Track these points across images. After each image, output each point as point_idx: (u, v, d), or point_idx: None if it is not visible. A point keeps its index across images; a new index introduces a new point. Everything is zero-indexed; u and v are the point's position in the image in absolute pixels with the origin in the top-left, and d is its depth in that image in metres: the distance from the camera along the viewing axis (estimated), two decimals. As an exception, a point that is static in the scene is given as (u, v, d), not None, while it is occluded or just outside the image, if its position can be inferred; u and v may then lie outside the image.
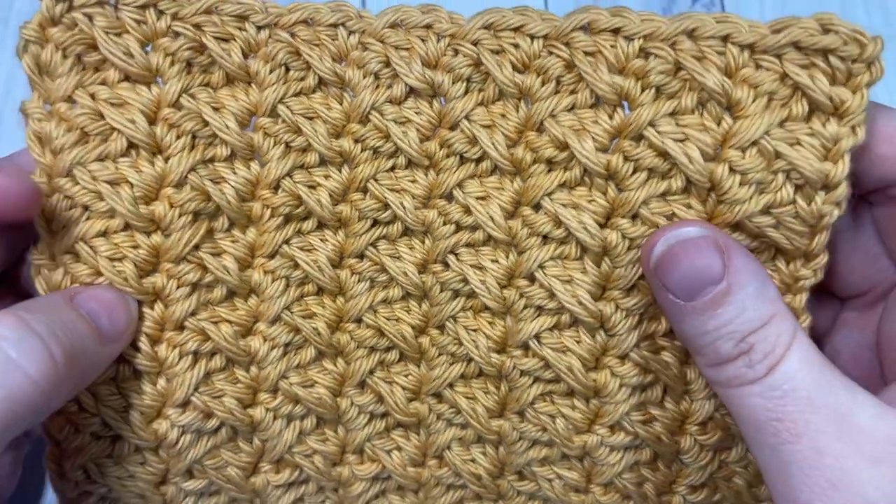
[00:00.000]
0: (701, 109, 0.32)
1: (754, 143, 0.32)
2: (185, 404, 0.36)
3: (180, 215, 0.35)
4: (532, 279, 0.36)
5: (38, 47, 0.33)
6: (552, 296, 0.35)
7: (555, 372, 0.36)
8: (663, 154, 0.33)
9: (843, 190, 0.32)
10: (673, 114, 0.32)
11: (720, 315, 0.30)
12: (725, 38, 0.31)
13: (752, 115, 0.31)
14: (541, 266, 0.35)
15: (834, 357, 0.37)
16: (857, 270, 0.37)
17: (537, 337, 0.36)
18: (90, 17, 0.33)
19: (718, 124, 0.32)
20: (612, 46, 0.32)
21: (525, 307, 0.36)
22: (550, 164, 0.34)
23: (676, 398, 0.36)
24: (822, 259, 0.33)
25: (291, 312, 0.37)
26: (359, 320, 0.37)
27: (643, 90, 0.32)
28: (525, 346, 0.36)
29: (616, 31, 0.32)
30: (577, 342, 0.36)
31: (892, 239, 0.35)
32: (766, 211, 0.32)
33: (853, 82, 0.31)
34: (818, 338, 0.38)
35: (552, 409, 0.37)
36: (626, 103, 0.33)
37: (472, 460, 0.38)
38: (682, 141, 0.32)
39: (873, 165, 0.33)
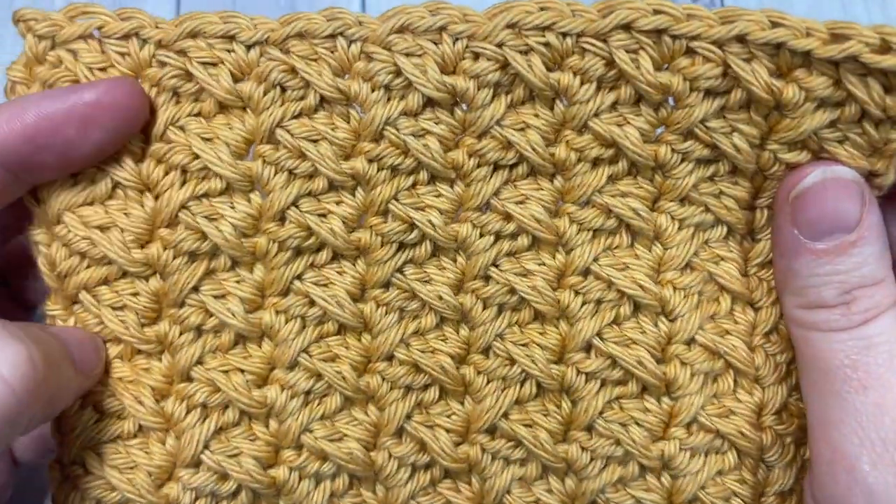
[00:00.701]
0: (749, 105, 0.31)
1: (814, 133, 0.31)
2: (196, 464, 0.33)
3: (175, 257, 0.32)
4: (585, 274, 0.34)
5: (25, 87, 0.32)
6: (609, 286, 0.33)
7: (622, 370, 0.34)
8: (711, 146, 0.32)
9: (888, 179, 0.31)
10: (721, 109, 0.31)
11: (838, 262, 0.30)
12: (779, 46, 0.29)
13: (802, 117, 0.30)
14: (595, 259, 0.33)
15: None
16: None
17: (599, 334, 0.33)
18: (75, 54, 0.32)
19: (766, 119, 0.31)
20: (655, 44, 0.30)
21: (582, 304, 0.33)
22: (595, 161, 0.33)
23: (748, 388, 0.34)
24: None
25: (311, 356, 0.33)
26: (390, 358, 0.34)
27: (692, 91, 0.31)
28: (587, 348, 0.34)
29: (661, 32, 0.30)
30: (642, 332, 0.34)
31: None
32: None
33: None
34: None
35: (623, 417, 0.34)
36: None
37: (537, 501, 0.35)
38: (729, 133, 0.32)
39: None
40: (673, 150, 0.32)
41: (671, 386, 0.34)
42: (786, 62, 0.29)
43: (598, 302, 0.34)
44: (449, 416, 0.34)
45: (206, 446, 0.33)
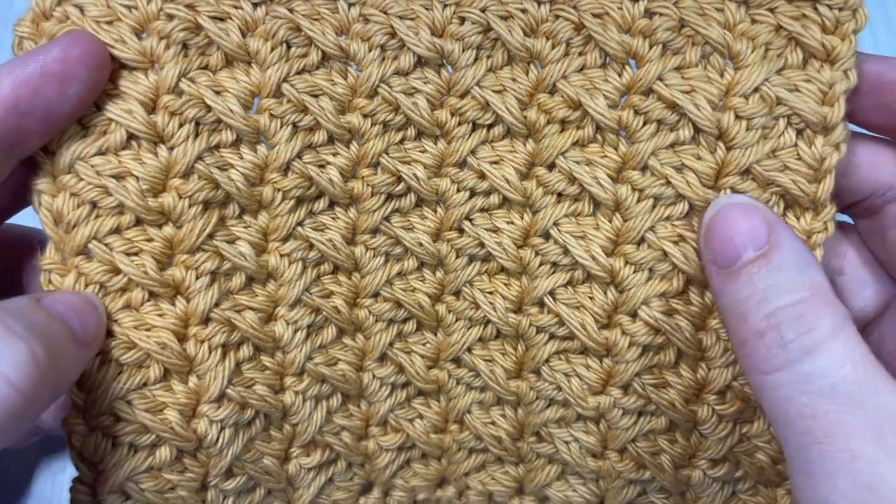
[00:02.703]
0: (704, 63, 0.34)
1: (756, 90, 0.34)
2: (219, 399, 0.36)
3: (190, 206, 0.34)
4: (547, 237, 0.37)
5: (33, 43, 0.32)
6: (566, 252, 0.36)
7: (569, 328, 0.37)
8: (672, 105, 0.34)
9: (841, 132, 0.34)
10: (679, 68, 0.34)
11: (755, 282, 0.29)
12: None
13: (752, 65, 0.33)
14: (555, 223, 0.36)
15: (880, 342, 0.37)
16: None
17: (552, 293, 0.37)
18: (81, 8, 0.32)
19: (721, 76, 0.34)
20: (618, 8, 0.33)
21: (540, 264, 0.37)
22: (563, 123, 0.35)
23: (692, 365, 0.37)
24: (832, 210, 0.34)
25: (311, 294, 0.36)
26: (376, 294, 0.37)
27: (650, 47, 0.34)
28: (541, 304, 0.37)
29: None
30: (591, 298, 0.37)
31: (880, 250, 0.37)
32: (772, 155, 0.34)
33: (841, 30, 0.33)
34: (868, 320, 0.38)
35: (567, 368, 0.38)
36: (633, 62, 0.34)
37: (493, 423, 0.39)
38: (689, 92, 0.34)
39: (853, 174, 0.35)
40: (636, 112, 0.34)
41: (611, 350, 0.37)
42: (731, 17, 0.33)
43: (555, 264, 0.37)
44: (423, 345, 0.38)
45: (230, 381, 0.35)
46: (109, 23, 0.32)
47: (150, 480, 0.35)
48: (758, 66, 0.33)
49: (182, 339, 0.35)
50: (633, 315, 0.36)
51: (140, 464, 0.35)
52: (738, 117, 0.34)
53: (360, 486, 0.41)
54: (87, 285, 0.33)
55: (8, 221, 0.37)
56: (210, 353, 0.35)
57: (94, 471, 0.35)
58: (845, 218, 0.38)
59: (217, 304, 0.35)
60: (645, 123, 0.35)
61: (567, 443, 0.39)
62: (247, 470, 0.37)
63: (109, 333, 0.34)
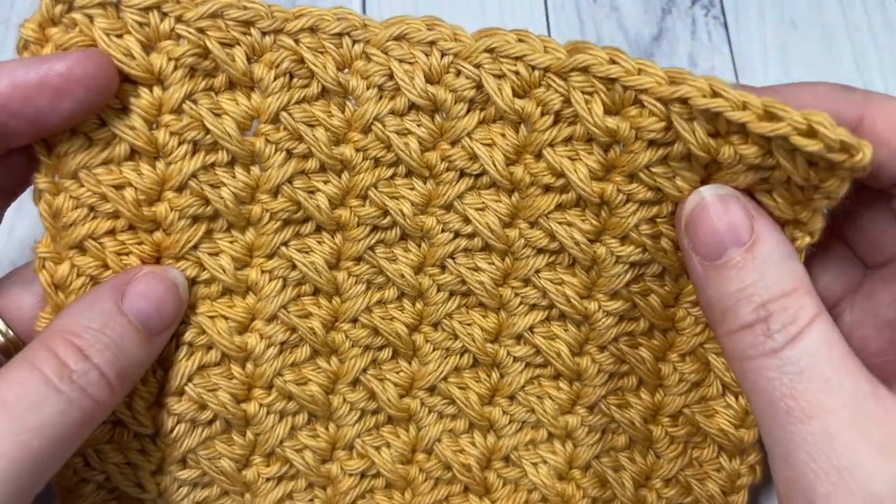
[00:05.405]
0: (689, 158, 0.33)
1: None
2: (180, 393, 0.38)
3: (180, 218, 0.35)
4: (526, 282, 0.38)
5: (38, 47, 0.33)
6: (545, 295, 0.38)
7: (544, 357, 0.39)
8: (656, 189, 0.35)
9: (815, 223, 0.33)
10: (665, 158, 0.34)
11: (743, 276, 0.30)
12: (717, 114, 0.31)
13: (737, 174, 0.32)
14: (536, 271, 0.37)
15: (852, 329, 0.36)
16: (884, 236, 0.35)
17: (531, 328, 0.38)
18: (91, 18, 0.33)
19: (705, 169, 0.34)
20: (608, 90, 0.33)
21: (520, 304, 0.38)
22: (547, 187, 0.36)
23: (651, 390, 0.40)
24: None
25: (288, 311, 0.38)
26: (354, 320, 0.38)
27: (636, 139, 0.33)
28: (518, 337, 0.39)
29: (613, 80, 0.33)
30: (565, 330, 0.39)
31: None
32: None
33: (836, 171, 0.31)
34: (836, 302, 0.38)
35: (540, 392, 0.40)
36: None
37: (462, 451, 0.40)
38: (672, 178, 0.34)
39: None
40: (619, 191, 0.35)
41: (581, 375, 0.39)
42: (723, 126, 0.32)
43: (533, 306, 0.38)
44: (397, 373, 0.39)
45: (189, 379, 0.37)
46: (119, 36, 0.33)
47: (114, 452, 0.38)
48: (743, 175, 0.32)
49: None
50: (602, 348, 0.39)
51: (102, 437, 0.38)
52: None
53: None
54: (78, 276, 0.35)
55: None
56: (176, 348, 0.37)
57: None
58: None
59: (192, 307, 0.37)
60: (628, 201, 0.35)
61: (535, 465, 0.40)
62: (202, 465, 0.39)
63: None
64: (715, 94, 0.31)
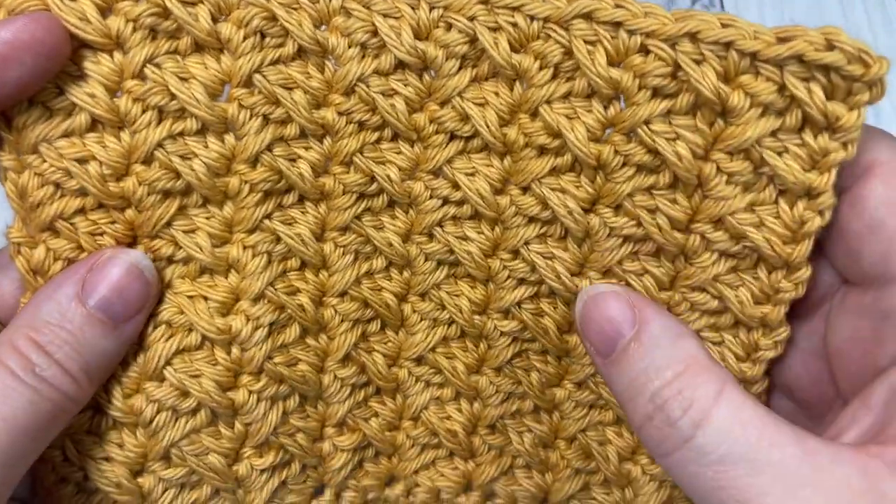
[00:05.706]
0: (695, 110, 0.32)
1: (743, 150, 0.32)
2: (160, 378, 0.35)
3: (149, 193, 0.33)
4: (515, 254, 0.36)
5: None
6: (534, 270, 0.36)
7: (532, 333, 0.37)
8: (654, 151, 0.33)
9: (826, 199, 0.31)
10: (668, 113, 0.32)
11: (633, 366, 0.30)
12: (728, 45, 0.30)
13: (746, 124, 0.31)
14: (526, 243, 0.36)
15: (827, 340, 0.35)
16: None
17: (518, 303, 0.37)
18: None
19: (711, 127, 0.32)
20: (612, 38, 0.31)
21: (508, 278, 0.37)
22: (542, 149, 0.34)
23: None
24: (805, 272, 0.33)
25: (276, 290, 0.36)
26: (343, 294, 0.37)
27: (640, 89, 0.32)
28: (506, 311, 0.37)
29: (618, 24, 0.31)
30: (554, 308, 0.37)
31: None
32: (749, 209, 0.33)
33: (852, 100, 0.30)
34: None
35: (528, 364, 0.39)
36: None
37: (448, 417, 0.40)
38: (673, 140, 0.32)
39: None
40: (616, 152, 0.33)
41: (570, 352, 0.38)
42: (733, 66, 0.30)
43: (521, 280, 0.37)
44: (385, 344, 0.38)
45: (167, 363, 0.35)
46: None
47: (89, 444, 0.36)
48: (751, 126, 0.31)
49: None
50: None
51: (80, 425, 0.36)
52: (719, 171, 0.32)
53: (313, 488, 0.40)
54: (56, 260, 0.33)
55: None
56: (154, 329, 0.35)
57: None
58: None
59: (171, 286, 0.35)
60: (624, 165, 0.34)
61: (520, 433, 0.40)
62: (189, 462, 0.37)
63: None
64: (725, 26, 0.30)
